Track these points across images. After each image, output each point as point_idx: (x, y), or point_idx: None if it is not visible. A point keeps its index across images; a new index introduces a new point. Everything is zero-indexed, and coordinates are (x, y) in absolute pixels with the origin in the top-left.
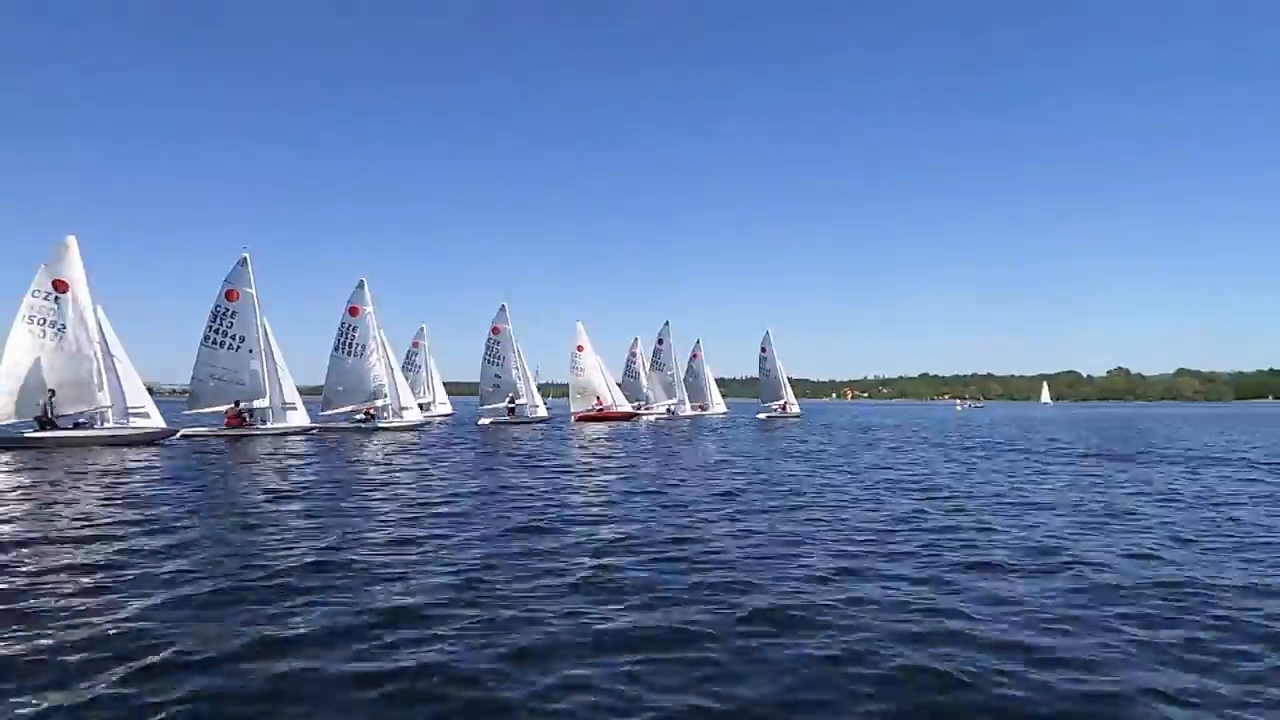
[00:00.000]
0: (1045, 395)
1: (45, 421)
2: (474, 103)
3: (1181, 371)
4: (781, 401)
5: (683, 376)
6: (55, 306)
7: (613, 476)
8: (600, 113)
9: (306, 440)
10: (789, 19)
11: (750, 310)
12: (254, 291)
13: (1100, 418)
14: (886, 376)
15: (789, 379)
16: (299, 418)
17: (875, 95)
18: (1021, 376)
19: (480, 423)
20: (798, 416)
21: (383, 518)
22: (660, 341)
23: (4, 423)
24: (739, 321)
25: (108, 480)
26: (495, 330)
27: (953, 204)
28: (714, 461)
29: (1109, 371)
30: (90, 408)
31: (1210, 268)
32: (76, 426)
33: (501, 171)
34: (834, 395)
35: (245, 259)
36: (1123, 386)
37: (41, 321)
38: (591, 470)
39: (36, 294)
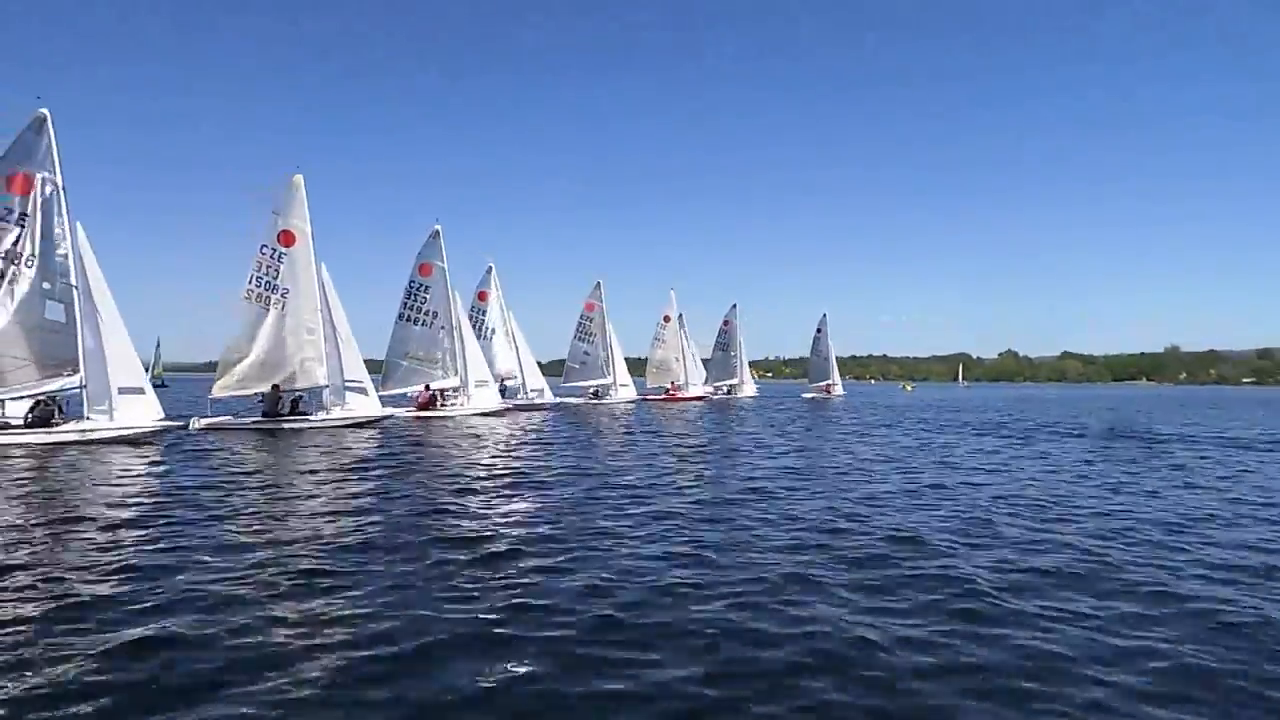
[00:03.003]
0: (961, 378)
1: (271, 411)
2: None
3: (1065, 354)
4: (827, 382)
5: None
6: (280, 266)
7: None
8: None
9: (507, 420)
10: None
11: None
12: (445, 265)
13: (1049, 399)
14: (788, 357)
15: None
16: (489, 395)
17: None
18: (916, 358)
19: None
20: (842, 397)
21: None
22: (726, 323)
23: (224, 395)
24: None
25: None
26: (589, 307)
27: (836, 182)
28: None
29: (1000, 354)
30: (308, 385)
31: (1087, 252)
32: (294, 407)
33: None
34: None
35: (437, 231)
36: (1013, 368)
37: (267, 285)
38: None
39: (265, 250)
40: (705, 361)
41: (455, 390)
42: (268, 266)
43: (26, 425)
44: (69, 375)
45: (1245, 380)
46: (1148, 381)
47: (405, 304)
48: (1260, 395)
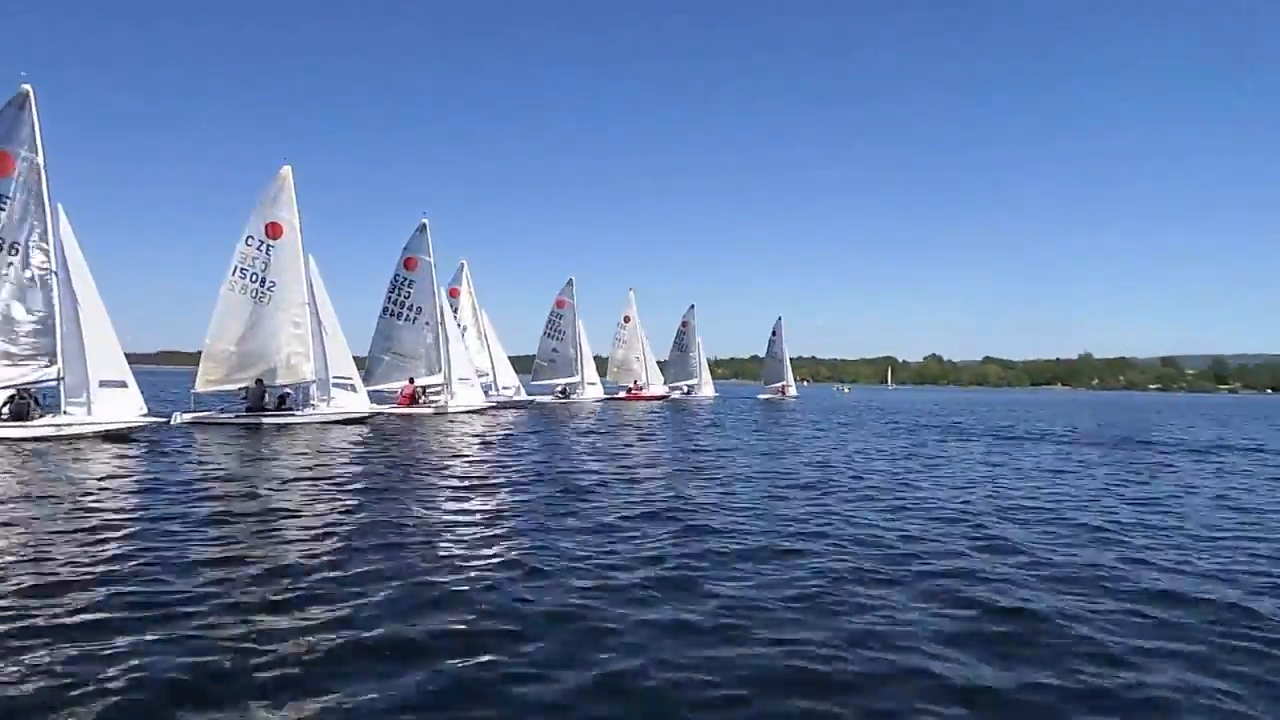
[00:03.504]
0: (889, 380)
1: (256, 407)
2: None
3: (987, 359)
4: (782, 384)
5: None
6: (266, 258)
7: None
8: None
9: (485, 419)
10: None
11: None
12: (432, 260)
13: (997, 403)
14: (720, 357)
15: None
16: (471, 394)
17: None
18: (845, 360)
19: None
20: (795, 398)
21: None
22: (685, 324)
23: (208, 390)
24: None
25: None
26: (559, 304)
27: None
28: None
29: (925, 358)
30: (294, 380)
31: (1011, 262)
32: (280, 402)
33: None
34: None
35: (424, 225)
36: (937, 372)
37: (253, 277)
38: None
39: (250, 242)
40: (660, 363)
41: (438, 387)
42: (253, 258)
43: (0, 419)
44: (46, 367)
45: (1151, 386)
46: (1062, 386)
47: (389, 298)
48: (1165, 400)
